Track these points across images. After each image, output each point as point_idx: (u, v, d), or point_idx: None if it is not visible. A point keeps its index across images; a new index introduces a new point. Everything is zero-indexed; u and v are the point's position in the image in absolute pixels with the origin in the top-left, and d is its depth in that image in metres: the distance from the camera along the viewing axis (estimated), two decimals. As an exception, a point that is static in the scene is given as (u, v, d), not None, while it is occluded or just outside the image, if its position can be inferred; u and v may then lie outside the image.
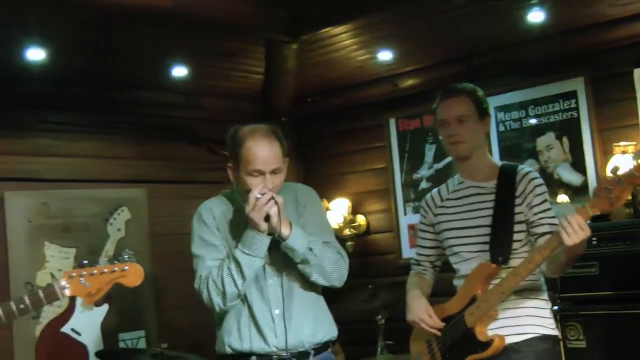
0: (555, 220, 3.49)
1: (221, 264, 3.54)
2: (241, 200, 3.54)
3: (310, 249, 3.50)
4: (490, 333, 3.51)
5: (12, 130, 5.81)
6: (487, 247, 3.56)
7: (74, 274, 2.78)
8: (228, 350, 3.63)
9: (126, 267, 2.84)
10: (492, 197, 3.62)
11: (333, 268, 3.60)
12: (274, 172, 3.48)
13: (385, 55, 5.94)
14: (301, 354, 3.57)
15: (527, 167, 3.70)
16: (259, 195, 3.41)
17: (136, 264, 2.85)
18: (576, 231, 3.14)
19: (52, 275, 5.85)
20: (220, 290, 3.52)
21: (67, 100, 5.89)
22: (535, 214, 3.54)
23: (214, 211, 3.68)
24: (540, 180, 3.62)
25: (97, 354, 5.55)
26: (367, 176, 7.03)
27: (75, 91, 5.83)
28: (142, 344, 6.29)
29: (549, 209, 3.56)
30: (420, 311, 3.72)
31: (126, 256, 2.88)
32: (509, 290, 3.45)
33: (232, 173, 3.60)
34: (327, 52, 5.84)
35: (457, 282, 3.71)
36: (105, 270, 2.82)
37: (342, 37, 5.55)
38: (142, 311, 6.34)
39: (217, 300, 3.55)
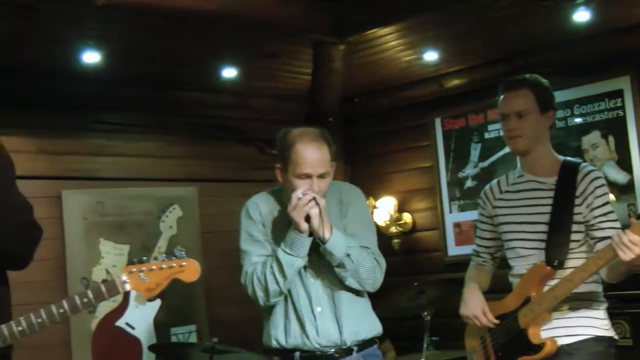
0: (617, 224, 3.42)
1: (265, 262, 3.56)
2: (287, 199, 3.55)
3: (348, 255, 3.48)
4: (543, 334, 3.46)
5: (70, 131, 5.89)
6: (543, 245, 3.49)
7: (134, 269, 2.80)
8: (274, 344, 3.65)
9: (184, 263, 2.86)
10: (552, 193, 3.53)
11: (368, 275, 3.57)
12: (321, 176, 3.48)
13: (431, 56, 5.92)
14: (344, 351, 3.57)
15: (589, 166, 3.61)
16: (300, 195, 3.41)
17: (193, 260, 2.87)
18: (630, 248, 3.08)
19: (107, 271, 5.92)
20: (264, 287, 3.54)
21: (121, 101, 5.95)
22: (596, 217, 3.45)
23: (260, 207, 3.69)
24: (602, 181, 3.53)
25: (150, 347, 5.61)
26: (413, 175, 7.01)
27: (129, 93, 5.89)
28: (193, 338, 6.33)
29: (610, 212, 3.47)
30: (476, 307, 3.67)
31: (180, 252, 2.90)
32: (563, 295, 3.38)
33: (280, 174, 3.60)
34: (374, 53, 5.83)
35: (513, 280, 3.65)
36: (164, 266, 2.83)
37: (388, 38, 5.54)
38: (193, 306, 6.38)
39: (260, 296, 3.58)
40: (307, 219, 3.41)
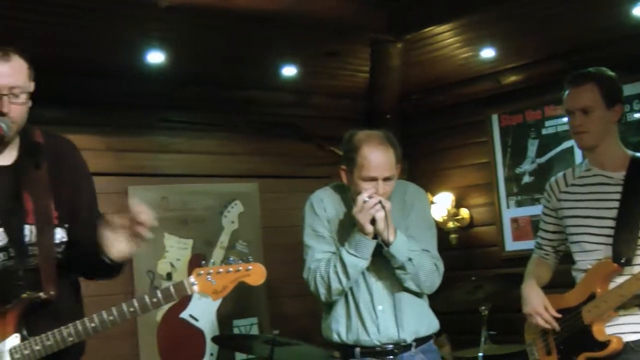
0: None
1: (329, 260, 3.56)
2: (352, 200, 3.54)
3: (410, 259, 3.48)
4: (608, 331, 3.39)
5: (135, 129, 5.97)
6: (609, 240, 3.40)
7: (202, 272, 2.84)
8: (335, 337, 3.66)
9: (250, 267, 2.87)
10: (620, 188, 3.43)
11: (427, 278, 3.57)
12: (386, 179, 3.47)
13: (487, 53, 5.88)
14: (403, 347, 3.57)
15: None
16: (366, 198, 3.40)
17: (259, 264, 2.88)
18: None
19: (171, 264, 5.98)
20: (326, 285, 3.56)
21: (184, 100, 6.01)
22: None
23: (325, 203, 3.69)
24: None
25: (214, 339, 5.65)
26: (470, 170, 6.97)
27: (192, 91, 5.95)
28: (254, 331, 6.37)
29: None
30: (537, 303, 3.60)
31: (244, 258, 2.93)
32: (630, 294, 3.30)
33: (345, 175, 3.59)
34: (431, 51, 5.81)
35: (576, 275, 3.57)
36: (231, 269, 2.85)
37: (445, 36, 5.51)
38: (255, 299, 6.42)
39: (322, 293, 3.59)
40: (372, 221, 3.41)
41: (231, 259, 2.89)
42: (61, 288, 2.85)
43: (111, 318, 2.78)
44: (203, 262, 2.98)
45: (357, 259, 3.47)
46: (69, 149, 3.08)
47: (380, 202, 3.38)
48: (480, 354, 5.17)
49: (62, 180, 2.95)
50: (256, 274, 2.87)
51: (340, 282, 3.52)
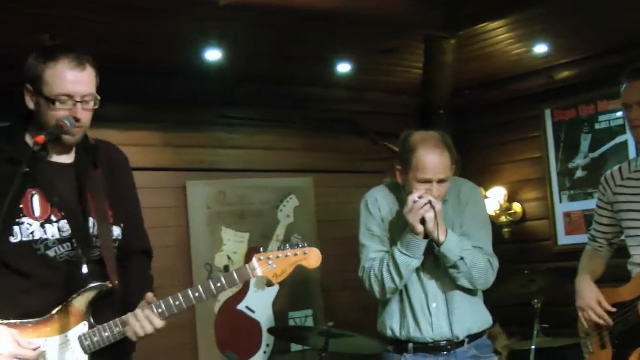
0: None
1: (382, 259, 3.57)
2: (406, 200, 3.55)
3: (462, 258, 3.46)
4: None
5: (193, 125, 6.02)
6: None
7: (263, 257, 2.94)
8: (389, 333, 3.66)
9: (307, 252, 2.99)
10: None
11: (480, 275, 3.54)
12: (441, 181, 3.46)
13: (541, 49, 5.82)
14: (456, 343, 3.55)
15: None
16: (417, 199, 3.39)
17: (315, 249, 3.00)
18: None
19: (229, 257, 6.02)
20: (380, 283, 3.57)
21: (242, 97, 6.04)
22: None
23: (379, 202, 3.70)
24: None
25: (270, 330, 5.68)
26: (523, 165, 6.91)
27: (249, 88, 5.98)
28: (309, 323, 6.39)
29: None
30: (590, 298, 3.57)
31: (301, 244, 3.03)
32: None
33: (400, 176, 3.58)
34: (484, 47, 5.76)
35: (632, 269, 3.53)
36: (289, 254, 2.97)
37: (498, 32, 5.46)
38: (310, 292, 6.44)
39: (377, 291, 3.61)
40: (423, 221, 3.39)
41: (287, 245, 3.01)
42: (120, 280, 2.94)
43: (177, 303, 2.88)
44: (262, 248, 3.02)
45: (409, 259, 3.46)
46: (122, 158, 3.22)
47: (430, 202, 3.36)
48: (533, 347, 5.12)
49: (116, 184, 3.06)
50: (312, 258, 3.01)
51: (393, 281, 3.52)
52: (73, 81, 2.77)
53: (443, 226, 3.43)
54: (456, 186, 3.68)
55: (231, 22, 4.74)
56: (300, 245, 3.01)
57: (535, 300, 5.21)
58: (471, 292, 3.62)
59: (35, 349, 2.74)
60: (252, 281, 6.09)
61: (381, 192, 3.75)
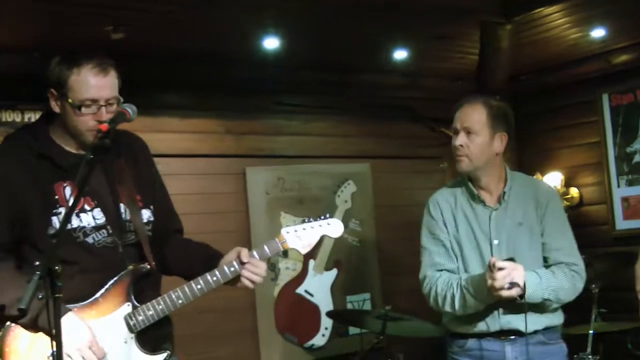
0: None
1: (449, 283, 3.51)
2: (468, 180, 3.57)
3: (546, 299, 3.39)
4: None
5: (252, 113, 6.04)
6: None
7: (290, 230, 3.11)
8: (452, 327, 3.62)
9: (330, 222, 3.17)
10: None
11: (567, 295, 3.47)
12: (467, 132, 3.49)
13: (598, 33, 5.70)
14: (521, 332, 3.47)
15: None
16: (507, 285, 3.26)
17: (336, 219, 3.21)
18: None
19: (288, 242, 6.03)
20: (439, 304, 3.55)
21: (299, 84, 6.03)
22: None
23: (440, 205, 3.66)
24: None
25: (328, 313, 5.70)
26: (580, 150, 6.81)
27: (306, 75, 5.96)
28: (367, 306, 6.39)
29: None
30: None
31: (323, 215, 3.20)
32: None
33: None
34: (540, 32, 5.66)
35: None
36: (314, 225, 3.14)
37: (554, 17, 5.36)
38: (368, 276, 6.44)
39: (432, 304, 3.60)
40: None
41: (310, 218, 3.17)
42: (155, 261, 3.03)
43: (214, 279, 2.98)
44: (288, 224, 3.17)
45: (479, 303, 3.42)
46: (143, 145, 3.25)
47: (515, 284, 3.28)
48: (591, 332, 5.05)
49: (140, 170, 3.12)
50: (335, 227, 3.18)
51: (453, 309, 3.50)
52: (97, 86, 2.83)
53: (520, 286, 3.33)
54: (532, 187, 3.63)
55: (289, 10, 4.74)
56: (323, 217, 3.17)
57: (593, 285, 5.14)
58: None
59: (104, 341, 2.83)
60: (311, 265, 6.11)
61: (441, 195, 3.70)
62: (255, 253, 3.03)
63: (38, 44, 4.71)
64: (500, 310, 3.46)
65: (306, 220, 3.15)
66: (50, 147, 2.91)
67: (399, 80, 6.46)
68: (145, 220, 3.04)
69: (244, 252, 3.00)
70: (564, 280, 3.45)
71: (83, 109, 2.82)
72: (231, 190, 5.89)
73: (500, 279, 3.25)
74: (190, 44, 5.09)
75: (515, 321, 3.45)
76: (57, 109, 2.91)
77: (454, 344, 3.63)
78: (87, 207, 2.91)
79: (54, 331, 2.31)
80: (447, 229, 3.61)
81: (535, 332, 3.47)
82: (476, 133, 3.48)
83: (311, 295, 6.14)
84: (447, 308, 3.51)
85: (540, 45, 5.96)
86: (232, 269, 2.98)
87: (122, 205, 2.97)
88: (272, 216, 6.02)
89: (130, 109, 2.78)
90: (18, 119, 5.12)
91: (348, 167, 6.47)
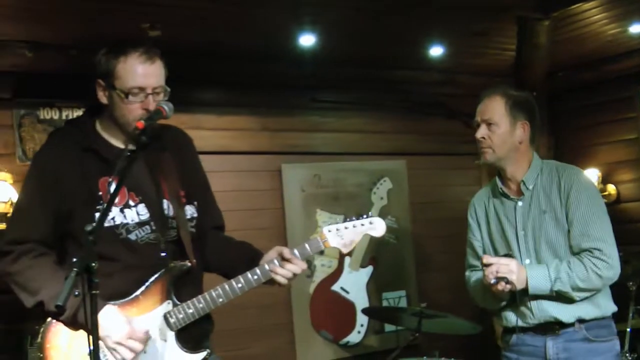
0: None
1: (476, 281, 3.59)
2: (499, 182, 3.59)
3: (557, 289, 3.34)
4: None
5: (288, 109, 6.04)
6: None
7: (332, 229, 3.04)
8: (498, 323, 3.69)
9: (372, 221, 3.08)
10: None
11: (591, 283, 3.34)
12: (487, 124, 3.49)
13: (636, 28, 5.62)
14: (563, 324, 3.42)
15: None
16: (493, 281, 3.33)
17: (379, 218, 3.11)
18: None
19: (324, 239, 6.03)
20: (475, 299, 3.66)
21: (335, 80, 6.03)
22: None
23: (476, 206, 3.72)
24: None
25: (364, 310, 5.68)
26: (617, 147, 6.74)
27: (342, 72, 5.95)
28: (403, 303, 6.37)
29: None
30: None
31: (365, 215, 3.13)
32: None
33: None
34: (578, 28, 5.60)
35: None
36: (356, 224, 3.06)
37: (592, 12, 5.30)
38: (404, 273, 6.41)
39: (473, 300, 3.69)
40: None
41: (353, 217, 3.09)
42: (196, 258, 3.00)
43: (255, 277, 2.94)
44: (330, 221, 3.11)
45: (495, 300, 3.51)
46: (188, 141, 3.25)
47: (506, 280, 3.32)
48: (629, 329, 5.00)
49: (184, 165, 3.10)
50: (378, 227, 3.09)
51: (485, 305, 3.61)
52: (144, 74, 2.83)
53: (522, 280, 3.35)
54: (559, 172, 3.53)
55: (325, 7, 4.72)
56: (365, 216, 3.10)
57: (630, 283, 5.09)
58: None
59: (145, 332, 2.82)
60: (346, 262, 6.10)
61: (479, 195, 3.75)
62: (296, 252, 2.98)
63: (75, 42, 4.75)
64: (535, 302, 3.42)
65: (348, 219, 3.08)
66: (97, 141, 2.91)
67: (435, 77, 6.43)
68: (188, 217, 3.02)
69: (286, 250, 2.97)
70: (581, 269, 3.34)
71: (130, 97, 2.82)
72: (267, 187, 5.89)
73: (488, 274, 3.34)
74: (226, 40, 5.10)
75: (552, 310, 3.40)
76: (104, 100, 2.91)
77: (504, 340, 3.65)
78: (131, 203, 2.90)
79: (91, 327, 2.30)
80: (480, 230, 3.66)
81: (575, 324, 3.41)
82: (496, 124, 3.47)
83: (347, 292, 6.12)
84: (480, 302, 3.60)
85: (578, 41, 5.90)
86: (255, 277, 2.94)
87: (165, 201, 2.96)
88: (307, 213, 6.02)
89: (167, 106, 2.78)
90: (56, 116, 5.16)
91: (384, 164, 6.45)
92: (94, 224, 2.38)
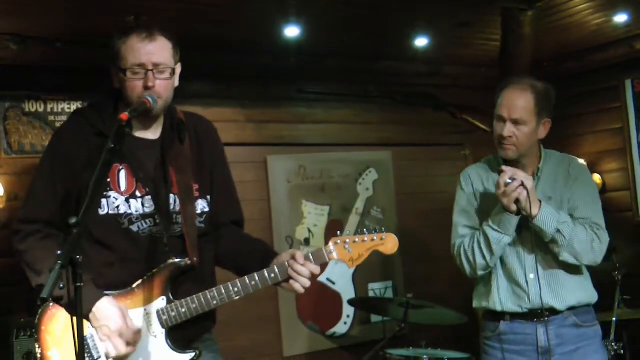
0: None
1: (473, 235, 3.51)
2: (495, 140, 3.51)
3: (559, 230, 3.35)
4: None
5: (274, 101, 6.04)
6: None
7: (339, 241, 2.91)
8: (484, 305, 3.60)
9: (384, 237, 2.93)
10: None
11: (583, 248, 3.39)
12: (516, 122, 3.39)
13: (621, 18, 5.64)
14: (555, 312, 3.46)
15: None
16: (509, 181, 3.31)
17: (393, 234, 2.94)
18: None
19: (309, 230, 6.05)
20: (471, 260, 3.51)
21: (321, 72, 6.03)
22: None
23: (472, 177, 3.65)
24: None
25: (350, 301, 5.69)
26: (603, 136, 6.76)
27: (328, 64, 5.95)
28: (389, 294, 6.39)
29: None
30: None
31: (378, 229, 2.99)
32: None
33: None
34: (563, 18, 5.61)
35: None
36: (366, 239, 2.92)
37: (577, 2, 5.31)
38: (390, 263, 6.43)
39: (468, 270, 3.56)
40: (516, 200, 3.33)
41: (365, 230, 2.95)
42: (202, 255, 2.94)
43: (253, 283, 2.86)
44: (339, 232, 2.98)
45: (501, 235, 3.40)
46: (211, 130, 3.19)
47: (522, 183, 3.29)
48: (614, 319, 5.02)
49: (203, 156, 3.05)
50: (389, 243, 2.94)
51: (484, 257, 3.46)
52: (141, 50, 2.79)
53: (536, 200, 3.34)
54: (566, 161, 3.61)
55: (307, -2, 4.73)
56: (377, 230, 2.96)
57: (616, 272, 5.11)
58: (575, 270, 3.50)
59: (136, 332, 2.79)
60: (333, 253, 6.10)
61: (475, 168, 3.71)
62: (311, 256, 2.89)
63: (60, 34, 4.73)
64: (533, 287, 3.44)
65: (359, 232, 2.94)
66: (112, 127, 2.77)
67: (421, 68, 6.44)
68: (198, 212, 2.97)
69: (299, 253, 2.87)
70: (582, 231, 3.41)
71: (129, 74, 2.79)
72: (253, 178, 5.89)
73: (504, 174, 3.30)
74: (211, 33, 5.09)
75: (546, 297, 3.43)
76: (116, 84, 2.88)
77: (487, 329, 3.63)
78: (138, 194, 2.88)
79: (75, 320, 2.28)
80: (477, 202, 3.61)
81: (567, 310, 3.45)
82: (525, 123, 3.41)
83: (333, 283, 6.14)
84: (479, 258, 3.48)
85: (562, 32, 5.91)
86: (272, 275, 2.87)
87: (172, 195, 2.90)
88: (293, 204, 6.03)
89: (151, 97, 2.77)
90: (41, 109, 5.15)
91: (370, 155, 6.46)
92: (79, 217, 2.35)
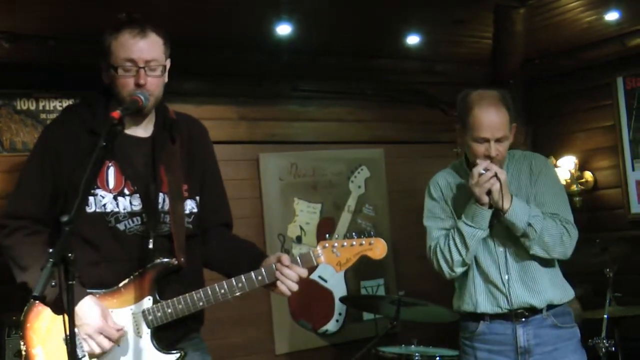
0: None
1: (447, 234, 3.53)
2: (468, 162, 3.50)
3: (530, 224, 3.37)
4: None
5: (266, 99, 6.04)
6: None
7: (328, 245, 2.92)
8: (464, 308, 3.61)
9: (372, 242, 2.96)
10: None
11: (554, 242, 3.43)
12: (499, 140, 3.37)
13: (612, 16, 5.65)
14: (534, 311, 3.49)
15: None
16: (482, 171, 3.33)
17: (381, 239, 2.97)
18: None
19: (301, 228, 6.05)
20: (447, 258, 3.53)
21: (314, 70, 6.02)
22: None
23: (440, 184, 3.67)
24: None
25: (342, 299, 5.70)
26: (595, 134, 6.77)
27: (320, 61, 5.95)
28: (381, 291, 6.39)
29: None
30: None
31: (367, 233, 3.00)
32: None
33: (459, 135, 3.54)
34: (554, 15, 5.63)
35: None
36: (355, 243, 2.94)
37: (568, 0, 5.33)
38: (382, 261, 6.37)
39: (445, 269, 3.56)
40: (488, 192, 3.34)
41: (355, 234, 2.96)
42: (189, 256, 2.93)
43: (240, 285, 2.86)
44: (327, 235, 2.98)
45: (475, 230, 3.42)
46: (202, 131, 3.20)
47: (495, 174, 3.30)
48: (606, 316, 5.04)
49: (193, 157, 3.06)
50: (378, 248, 2.98)
51: (460, 253, 3.48)
52: (133, 47, 2.79)
53: (508, 194, 3.37)
54: (527, 159, 3.62)
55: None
56: (366, 235, 2.97)
57: (608, 269, 5.12)
58: (548, 264, 3.53)
59: (119, 330, 2.79)
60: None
61: (442, 175, 3.72)
62: (298, 259, 2.91)
63: (53, 32, 4.72)
64: (510, 288, 3.46)
65: (348, 236, 2.95)
66: (102, 123, 2.76)
67: (414, 65, 6.44)
68: (187, 212, 2.96)
69: (285, 256, 2.88)
70: (552, 224, 3.44)
71: (120, 71, 2.79)
72: (245, 176, 5.89)
73: (477, 166, 3.32)
74: (204, 30, 5.09)
75: (525, 296, 3.46)
76: (106, 81, 2.88)
77: (466, 330, 3.65)
78: (126, 192, 2.86)
79: (67, 317, 2.28)
80: (449, 208, 3.63)
81: (546, 310, 3.48)
82: (507, 138, 3.41)
83: (325, 280, 6.14)
84: (455, 255, 3.49)
85: (554, 29, 5.92)
86: (259, 277, 2.86)
87: (161, 195, 2.89)
88: (285, 202, 6.03)
89: (143, 95, 2.77)
90: (33, 107, 5.14)
91: (361, 153, 6.47)
92: (71, 215, 2.34)
